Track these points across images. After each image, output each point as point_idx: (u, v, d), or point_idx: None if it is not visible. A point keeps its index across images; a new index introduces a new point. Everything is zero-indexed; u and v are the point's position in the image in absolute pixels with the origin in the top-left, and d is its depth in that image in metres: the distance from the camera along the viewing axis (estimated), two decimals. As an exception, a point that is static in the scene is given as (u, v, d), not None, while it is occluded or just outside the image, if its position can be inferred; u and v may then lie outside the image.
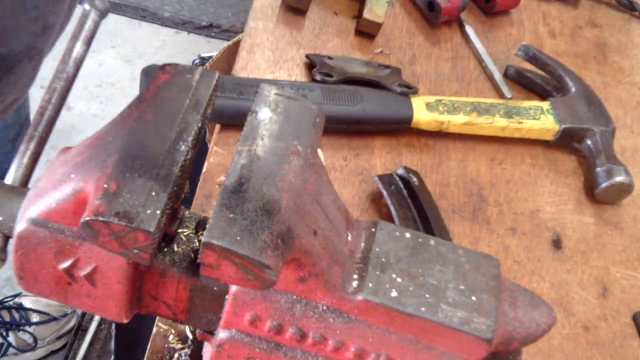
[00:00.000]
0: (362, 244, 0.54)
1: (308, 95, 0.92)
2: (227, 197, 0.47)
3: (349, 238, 0.54)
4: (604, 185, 0.93)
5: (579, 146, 0.99)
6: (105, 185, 0.47)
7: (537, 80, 1.07)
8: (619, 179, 0.92)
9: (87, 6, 0.65)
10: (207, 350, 0.63)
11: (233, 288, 0.52)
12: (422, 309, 0.50)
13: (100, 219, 0.45)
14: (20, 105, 1.31)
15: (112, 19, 2.68)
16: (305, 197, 0.50)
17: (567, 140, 0.99)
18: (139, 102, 0.53)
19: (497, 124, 0.96)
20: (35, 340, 1.77)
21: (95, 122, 2.36)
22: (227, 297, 0.52)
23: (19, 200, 0.52)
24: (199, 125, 0.52)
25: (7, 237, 0.54)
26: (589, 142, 0.97)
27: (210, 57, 1.39)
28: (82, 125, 2.33)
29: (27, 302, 1.80)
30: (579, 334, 0.81)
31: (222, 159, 0.88)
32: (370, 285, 0.51)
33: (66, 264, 0.51)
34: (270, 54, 1.02)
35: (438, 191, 0.91)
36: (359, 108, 0.92)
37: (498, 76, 1.07)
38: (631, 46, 1.20)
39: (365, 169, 0.91)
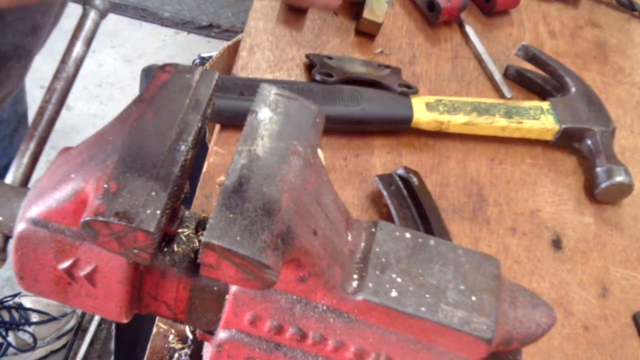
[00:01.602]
0: (362, 244, 0.54)
1: (308, 96, 0.91)
2: (227, 197, 0.47)
3: (349, 238, 0.54)
4: (604, 185, 0.93)
5: (579, 146, 0.99)
6: (106, 185, 0.47)
7: (537, 80, 1.07)
8: (619, 179, 0.92)
9: (87, 6, 0.65)
10: (207, 350, 0.63)
11: (233, 288, 0.52)
12: (422, 309, 0.50)
13: (100, 219, 0.45)
14: (17, 101, 1.31)
15: (112, 19, 2.68)
16: (305, 197, 0.50)
17: (567, 140, 0.99)
18: (139, 102, 0.53)
19: (497, 124, 0.96)
20: (35, 340, 1.77)
21: (95, 122, 2.36)
22: (227, 297, 0.52)
23: (19, 200, 0.52)
24: (199, 125, 0.52)
25: (7, 237, 0.54)
26: (589, 142, 0.97)
27: (210, 57, 1.39)
28: (82, 125, 2.33)
29: (27, 302, 1.80)
30: (579, 334, 0.81)
31: (222, 159, 0.88)
32: (370, 285, 0.51)
33: (66, 264, 0.51)
34: (270, 54, 1.02)
35: (438, 191, 0.91)
36: (359, 108, 0.92)
37: (498, 76, 1.07)
38: (631, 46, 1.20)
39: (365, 169, 0.91)
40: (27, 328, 1.77)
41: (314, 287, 0.50)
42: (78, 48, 0.63)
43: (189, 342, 0.70)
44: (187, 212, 0.56)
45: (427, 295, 0.51)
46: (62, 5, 1.05)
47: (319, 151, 0.54)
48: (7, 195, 0.53)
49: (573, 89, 1.02)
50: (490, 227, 0.89)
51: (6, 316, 1.76)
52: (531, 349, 0.76)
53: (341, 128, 0.93)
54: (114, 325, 1.77)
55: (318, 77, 0.95)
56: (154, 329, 0.71)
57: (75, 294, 0.53)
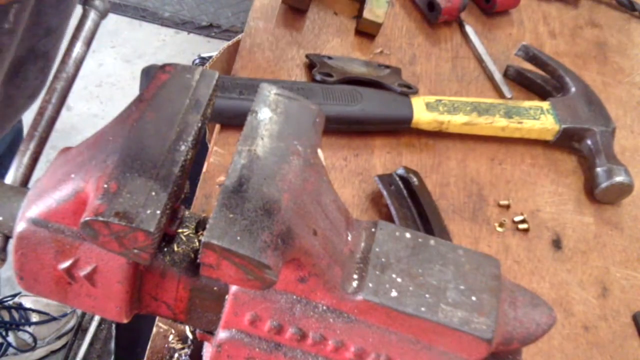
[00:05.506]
0: (362, 244, 0.54)
1: (308, 95, 0.92)
2: (227, 197, 0.47)
3: (349, 238, 0.54)
4: (604, 185, 0.93)
5: (579, 146, 0.99)
6: (106, 185, 0.47)
7: (537, 80, 1.07)
8: (619, 179, 0.92)
9: (87, 6, 0.65)
10: (207, 350, 0.63)
11: (233, 288, 0.52)
12: (422, 309, 0.50)
13: (100, 219, 0.45)
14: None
15: (112, 19, 2.68)
16: (305, 197, 0.50)
17: (567, 140, 0.99)
18: (139, 102, 0.53)
19: (497, 124, 0.96)
20: (35, 340, 1.77)
21: (95, 122, 2.36)
22: (227, 297, 0.52)
23: (19, 200, 0.52)
24: (199, 125, 0.52)
25: (7, 237, 0.54)
26: (589, 142, 0.97)
27: (210, 57, 1.39)
28: (82, 125, 2.33)
29: (27, 302, 1.80)
30: (579, 334, 0.81)
31: (222, 159, 0.88)
32: (370, 285, 0.51)
33: (66, 264, 0.51)
34: (270, 54, 1.02)
35: (438, 191, 0.91)
36: (359, 108, 0.92)
37: (498, 76, 1.07)
38: (631, 46, 1.20)
39: (365, 169, 0.91)
40: (27, 328, 1.76)
41: (314, 287, 0.50)
42: (78, 48, 0.63)
43: (189, 342, 0.70)
44: (187, 212, 0.56)
45: (427, 295, 0.51)
46: (72, 6, 1.06)
47: (319, 151, 0.54)
48: (7, 195, 0.53)
49: (573, 89, 1.02)
50: (490, 227, 0.89)
51: (6, 316, 1.76)
52: (531, 349, 0.76)
53: (341, 128, 0.93)
54: (114, 325, 1.77)
55: (318, 77, 0.95)
56: (154, 329, 0.71)
57: (75, 294, 0.53)
